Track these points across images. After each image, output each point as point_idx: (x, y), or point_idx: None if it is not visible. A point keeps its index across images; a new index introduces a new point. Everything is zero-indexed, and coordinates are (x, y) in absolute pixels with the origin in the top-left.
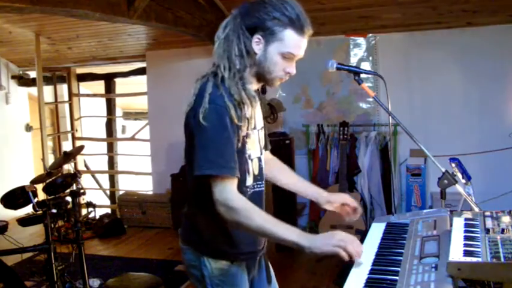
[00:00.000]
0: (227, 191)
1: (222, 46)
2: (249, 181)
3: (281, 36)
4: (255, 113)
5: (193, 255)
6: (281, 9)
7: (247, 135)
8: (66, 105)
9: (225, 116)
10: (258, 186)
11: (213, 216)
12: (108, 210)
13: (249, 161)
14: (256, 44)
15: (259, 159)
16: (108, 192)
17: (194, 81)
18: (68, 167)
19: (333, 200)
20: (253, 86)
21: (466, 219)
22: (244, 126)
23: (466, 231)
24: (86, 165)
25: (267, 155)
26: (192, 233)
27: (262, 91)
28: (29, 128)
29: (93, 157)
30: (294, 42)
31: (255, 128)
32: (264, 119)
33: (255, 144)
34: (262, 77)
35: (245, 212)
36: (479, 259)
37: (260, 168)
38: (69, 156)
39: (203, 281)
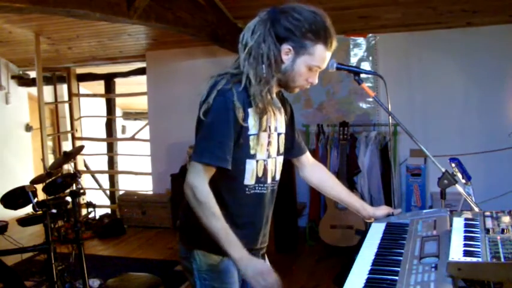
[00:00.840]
0: (199, 180)
1: (251, 52)
2: (249, 181)
3: (312, 50)
4: (272, 118)
5: (185, 248)
6: (312, 21)
7: (256, 136)
8: (66, 105)
9: (229, 108)
10: (260, 188)
11: None
12: (108, 210)
13: (252, 161)
14: (286, 54)
15: (266, 162)
16: (108, 192)
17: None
18: (68, 167)
19: (378, 215)
20: (274, 91)
21: (466, 219)
22: (254, 126)
23: (466, 231)
24: (86, 165)
25: (309, 160)
26: (185, 225)
27: None
28: (29, 128)
29: (93, 157)
30: (322, 56)
31: (265, 130)
32: (290, 125)
33: (263, 146)
34: (284, 84)
35: (205, 208)
36: (479, 259)
37: (265, 171)
38: (69, 156)
39: (193, 273)
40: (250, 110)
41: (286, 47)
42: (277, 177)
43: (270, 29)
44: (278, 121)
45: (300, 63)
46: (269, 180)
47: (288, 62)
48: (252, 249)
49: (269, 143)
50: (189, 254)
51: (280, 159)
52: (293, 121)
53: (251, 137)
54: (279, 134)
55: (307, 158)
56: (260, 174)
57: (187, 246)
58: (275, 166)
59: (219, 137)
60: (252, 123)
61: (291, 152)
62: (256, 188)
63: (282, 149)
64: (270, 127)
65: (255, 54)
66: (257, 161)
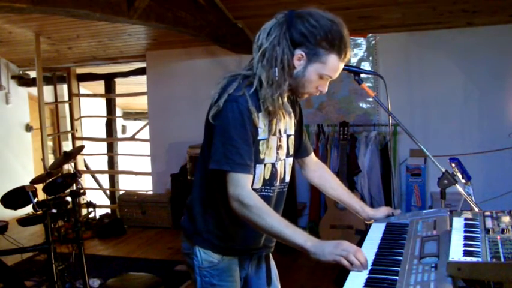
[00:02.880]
0: (241, 188)
1: (265, 54)
2: (256, 184)
3: (324, 59)
4: (281, 121)
5: (188, 244)
6: (328, 29)
7: (265, 140)
8: (66, 105)
9: (244, 114)
10: (266, 191)
11: (208, 207)
12: (108, 210)
13: (261, 165)
14: (298, 59)
15: (273, 165)
16: (108, 192)
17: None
18: (68, 167)
19: (377, 217)
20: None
21: (466, 219)
22: (264, 130)
23: (466, 231)
24: (86, 165)
25: (313, 161)
26: (188, 221)
27: None
28: (29, 128)
29: (93, 157)
30: (335, 66)
31: (275, 134)
32: (298, 127)
33: (272, 150)
34: (294, 89)
35: (256, 210)
36: (479, 259)
37: (272, 174)
38: (69, 156)
39: (194, 269)
40: (260, 115)
41: (299, 53)
42: (287, 178)
43: (285, 33)
44: (287, 123)
45: (311, 71)
46: (277, 183)
47: (299, 68)
48: (249, 249)
49: (279, 147)
50: (191, 250)
51: (290, 160)
52: (301, 122)
53: (261, 142)
54: (288, 136)
55: (311, 158)
56: (267, 177)
57: (190, 242)
58: (284, 168)
59: (238, 144)
60: (261, 127)
61: (297, 153)
62: (263, 190)
63: (291, 151)
64: (280, 130)
65: (269, 56)
66: (265, 165)
